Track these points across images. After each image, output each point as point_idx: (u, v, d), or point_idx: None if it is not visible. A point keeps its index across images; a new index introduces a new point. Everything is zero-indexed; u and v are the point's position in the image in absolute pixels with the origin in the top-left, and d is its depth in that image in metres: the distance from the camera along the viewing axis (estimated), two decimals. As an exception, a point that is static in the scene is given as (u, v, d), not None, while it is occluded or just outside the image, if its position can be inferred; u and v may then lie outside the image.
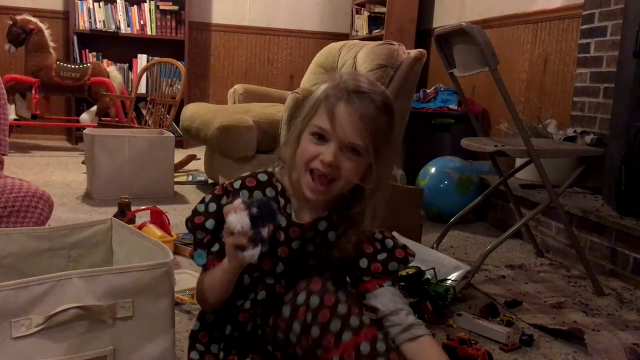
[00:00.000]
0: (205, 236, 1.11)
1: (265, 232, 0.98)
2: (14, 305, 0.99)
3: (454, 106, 3.72)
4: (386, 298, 1.13)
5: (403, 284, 1.70)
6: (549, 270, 2.27)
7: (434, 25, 4.69)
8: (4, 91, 1.93)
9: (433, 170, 2.87)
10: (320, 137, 1.05)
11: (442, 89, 3.89)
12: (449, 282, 1.81)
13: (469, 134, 2.64)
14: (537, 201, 2.47)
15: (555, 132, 2.84)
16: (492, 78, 1.95)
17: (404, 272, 1.69)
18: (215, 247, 1.11)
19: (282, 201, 1.12)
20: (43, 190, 1.87)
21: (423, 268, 1.78)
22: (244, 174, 1.15)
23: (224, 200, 1.11)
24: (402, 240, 1.30)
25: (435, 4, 4.72)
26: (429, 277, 1.77)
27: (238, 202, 0.99)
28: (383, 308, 1.13)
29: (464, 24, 1.98)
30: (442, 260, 1.92)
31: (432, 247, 2.31)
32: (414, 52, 3.02)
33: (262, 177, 1.14)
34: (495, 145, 2.04)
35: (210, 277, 1.12)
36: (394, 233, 1.91)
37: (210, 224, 1.10)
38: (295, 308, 1.03)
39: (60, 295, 1.03)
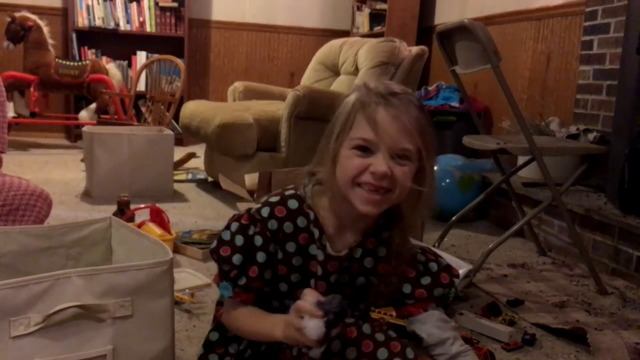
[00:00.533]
0: (231, 269, 1.02)
1: (334, 332, 0.92)
2: (13, 304, 0.99)
3: (455, 104, 3.71)
4: (431, 325, 1.08)
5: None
6: (552, 269, 2.25)
7: (436, 22, 4.67)
8: (3, 89, 1.92)
9: (435, 168, 2.86)
10: (364, 149, 0.97)
11: (443, 87, 3.89)
12: (451, 280, 1.79)
13: (470, 131, 2.62)
14: (540, 199, 2.45)
15: (557, 130, 2.83)
16: (494, 75, 1.94)
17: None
18: (242, 281, 1.02)
19: (316, 232, 1.04)
20: (42, 189, 1.85)
21: (425, 267, 1.76)
22: (272, 198, 1.05)
23: (251, 230, 1.02)
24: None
25: (437, 1, 4.71)
26: (431, 275, 1.76)
27: (312, 302, 0.90)
28: (428, 338, 1.07)
29: (465, 21, 1.97)
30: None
31: (434, 246, 2.30)
32: (415, 49, 3.01)
33: (292, 205, 1.04)
34: (498, 143, 2.03)
35: (249, 322, 1.05)
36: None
37: (237, 259, 1.01)
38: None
39: (59, 294, 1.03)
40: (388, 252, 1.07)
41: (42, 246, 1.28)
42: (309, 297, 0.91)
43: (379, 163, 0.95)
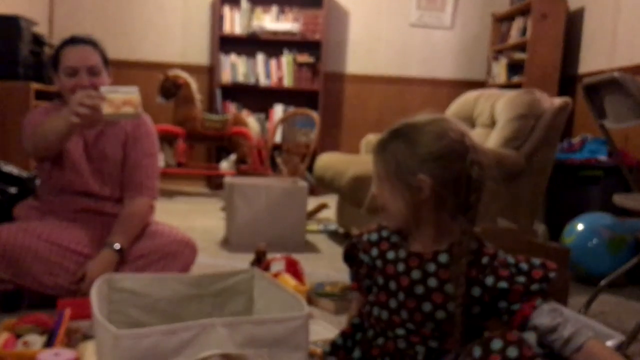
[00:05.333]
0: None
1: None
2: (164, 349, 1.05)
3: (603, 157, 3.46)
4: (544, 317, 1.14)
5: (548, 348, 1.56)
6: None
7: (580, 71, 4.46)
8: (158, 142, 2.10)
9: (580, 227, 2.67)
10: None
11: (589, 139, 3.65)
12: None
13: (621, 187, 2.43)
14: None
15: None
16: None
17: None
18: (353, 275, 1.37)
19: (397, 238, 1.26)
20: (189, 237, 1.98)
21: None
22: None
23: (354, 239, 1.35)
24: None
25: (581, 49, 4.50)
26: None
27: None
28: (542, 327, 1.13)
29: (616, 74, 1.86)
30: (592, 328, 1.75)
31: (580, 312, 2.13)
32: (558, 101, 2.88)
33: (384, 223, 1.30)
34: (657, 203, 1.86)
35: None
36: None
37: (345, 257, 1.38)
38: (488, 353, 1.05)
39: (205, 342, 1.08)
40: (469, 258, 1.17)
41: (192, 293, 1.36)
42: None
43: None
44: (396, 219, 1.22)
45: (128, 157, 2.02)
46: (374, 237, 1.28)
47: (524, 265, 1.16)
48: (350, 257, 1.35)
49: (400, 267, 1.21)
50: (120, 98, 1.70)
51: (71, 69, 1.88)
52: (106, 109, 1.69)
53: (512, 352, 1.03)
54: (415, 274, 1.19)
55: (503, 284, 1.14)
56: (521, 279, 1.14)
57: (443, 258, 1.18)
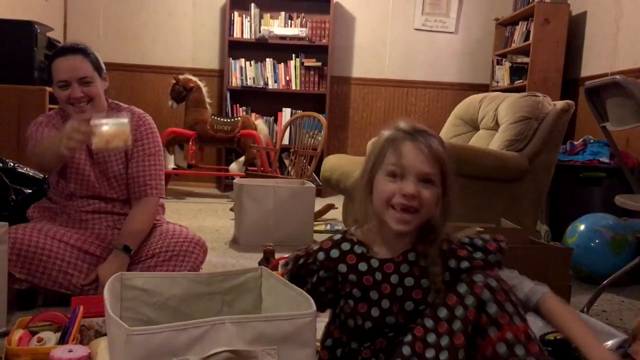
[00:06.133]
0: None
1: None
2: (175, 345, 1.07)
3: (605, 159, 3.49)
4: None
5: (550, 348, 1.60)
6: None
7: (583, 75, 4.48)
8: (161, 142, 2.13)
9: (582, 227, 2.70)
10: (395, 175, 1.18)
11: (591, 141, 3.68)
12: (602, 351, 1.67)
13: (623, 188, 2.47)
14: None
15: None
16: (650, 132, 1.83)
17: (551, 337, 1.60)
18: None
19: (360, 249, 1.26)
20: (199, 237, 2.03)
21: (573, 334, 1.66)
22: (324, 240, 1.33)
23: (301, 260, 1.31)
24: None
25: (584, 52, 4.52)
26: (579, 344, 1.65)
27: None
28: None
29: (618, 77, 1.90)
30: (594, 326, 1.79)
31: (582, 311, 2.16)
32: (560, 103, 2.92)
33: (337, 237, 1.30)
34: (655, 204, 1.89)
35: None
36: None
37: (287, 278, 1.33)
38: (473, 284, 1.14)
39: (214, 339, 1.10)
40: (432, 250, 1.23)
41: (202, 291, 1.38)
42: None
43: (408, 186, 1.16)
44: (421, 221, 1.21)
45: (131, 158, 2.04)
46: (335, 253, 1.27)
47: (478, 241, 1.24)
48: (297, 278, 1.31)
49: (378, 275, 1.23)
50: (110, 132, 1.68)
51: (63, 82, 1.90)
52: (96, 143, 1.68)
53: (492, 282, 1.14)
54: (394, 279, 1.22)
55: (465, 264, 1.21)
56: (479, 254, 1.22)
57: (411, 256, 1.23)
